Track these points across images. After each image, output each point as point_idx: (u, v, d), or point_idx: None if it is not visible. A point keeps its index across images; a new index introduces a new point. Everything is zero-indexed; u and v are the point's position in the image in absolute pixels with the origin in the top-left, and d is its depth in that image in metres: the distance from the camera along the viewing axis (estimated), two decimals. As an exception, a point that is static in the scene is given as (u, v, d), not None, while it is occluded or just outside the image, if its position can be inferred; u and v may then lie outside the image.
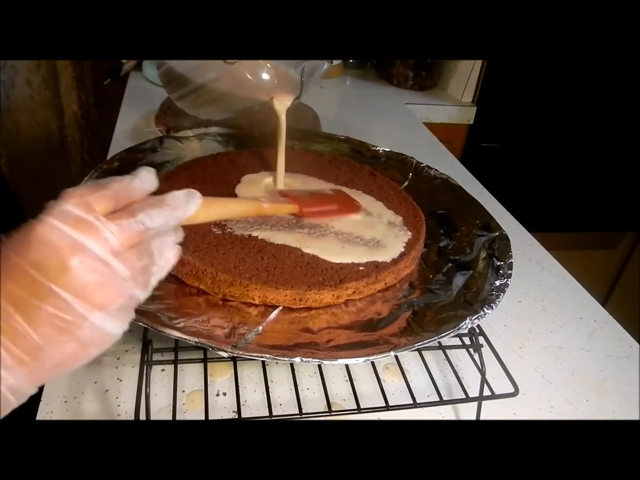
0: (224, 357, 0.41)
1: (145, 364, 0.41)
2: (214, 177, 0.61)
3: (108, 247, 0.28)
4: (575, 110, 1.29)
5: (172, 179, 0.59)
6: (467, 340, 0.49)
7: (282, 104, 0.56)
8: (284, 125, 0.57)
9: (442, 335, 0.43)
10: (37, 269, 0.26)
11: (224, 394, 0.47)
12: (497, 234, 0.58)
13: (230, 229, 0.52)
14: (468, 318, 0.45)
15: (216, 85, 0.55)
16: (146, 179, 0.31)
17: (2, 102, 1.17)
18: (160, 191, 0.59)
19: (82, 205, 0.27)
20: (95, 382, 0.47)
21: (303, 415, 0.43)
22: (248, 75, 0.53)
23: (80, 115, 1.28)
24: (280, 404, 0.47)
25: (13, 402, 0.26)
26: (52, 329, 0.26)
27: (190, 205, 0.33)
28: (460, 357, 0.53)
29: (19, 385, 0.26)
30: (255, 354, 0.39)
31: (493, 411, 0.48)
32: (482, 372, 0.46)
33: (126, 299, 0.29)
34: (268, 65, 0.53)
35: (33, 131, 1.23)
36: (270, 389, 0.46)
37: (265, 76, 0.53)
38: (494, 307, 0.46)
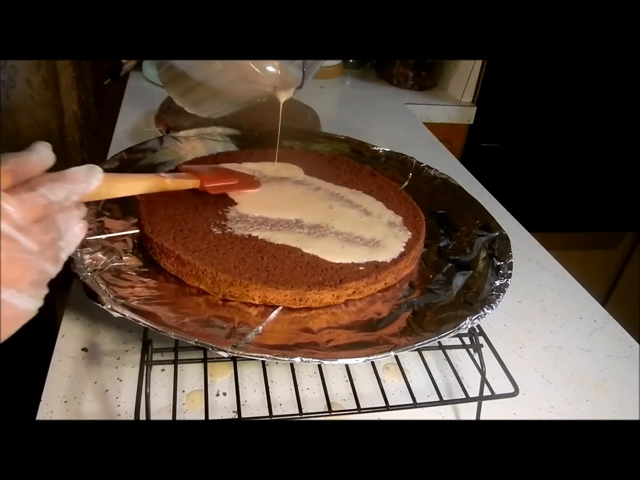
0: (224, 357, 0.41)
1: (145, 364, 0.41)
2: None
3: (11, 221, 0.27)
4: (575, 111, 1.29)
5: (172, 179, 0.59)
6: (467, 340, 0.49)
7: (284, 94, 0.57)
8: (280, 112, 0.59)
9: (442, 335, 0.43)
10: None
11: (224, 394, 0.47)
12: (497, 234, 0.58)
13: (230, 229, 0.52)
14: (468, 318, 0.45)
15: (219, 78, 0.55)
16: (44, 153, 0.31)
17: (2, 102, 1.17)
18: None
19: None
20: (95, 382, 0.47)
21: (303, 415, 0.43)
22: (253, 66, 0.53)
23: (80, 115, 1.28)
24: (280, 404, 0.47)
25: None
26: None
27: (92, 180, 0.33)
28: (460, 357, 0.53)
29: None
30: (255, 354, 0.39)
31: (493, 411, 0.48)
32: (482, 372, 0.46)
33: (36, 274, 0.29)
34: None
35: (33, 131, 1.23)
36: (270, 389, 0.46)
37: (269, 67, 0.54)
38: (494, 307, 0.46)
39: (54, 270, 0.30)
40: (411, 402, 0.45)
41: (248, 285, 0.45)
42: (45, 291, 0.30)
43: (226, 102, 0.70)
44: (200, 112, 0.78)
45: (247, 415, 0.45)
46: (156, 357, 0.44)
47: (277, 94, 0.56)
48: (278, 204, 0.57)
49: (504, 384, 0.46)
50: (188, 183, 0.51)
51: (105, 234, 0.50)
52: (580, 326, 0.62)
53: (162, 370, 0.48)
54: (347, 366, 0.49)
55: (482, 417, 0.47)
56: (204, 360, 0.46)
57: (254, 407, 0.46)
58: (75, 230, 0.32)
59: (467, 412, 0.49)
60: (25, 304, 0.28)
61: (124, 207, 0.55)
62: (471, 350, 0.50)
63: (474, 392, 0.47)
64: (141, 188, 0.45)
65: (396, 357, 0.49)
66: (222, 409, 0.46)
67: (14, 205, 0.28)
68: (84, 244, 0.47)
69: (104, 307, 0.40)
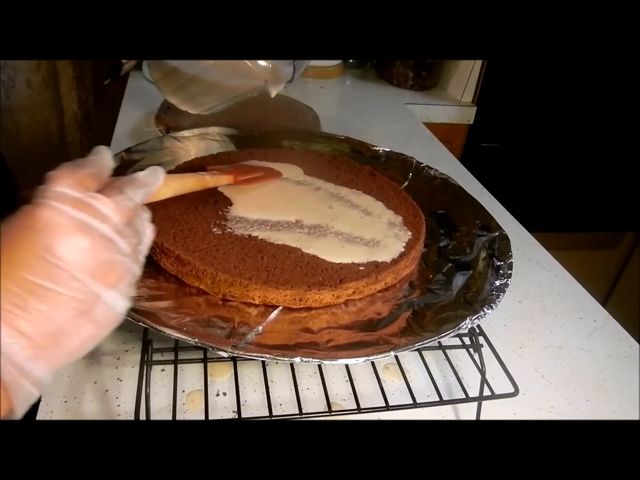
0: (224, 357, 0.41)
1: (145, 364, 0.41)
2: (214, 177, 0.60)
3: (112, 224, 0.28)
4: (575, 110, 1.29)
5: (172, 179, 0.59)
6: (467, 340, 0.49)
7: (275, 87, 0.57)
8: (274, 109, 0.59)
9: (442, 335, 0.43)
10: (50, 253, 0.25)
11: (224, 394, 0.47)
12: (497, 234, 0.58)
13: (230, 229, 0.52)
14: (468, 318, 0.45)
15: (211, 73, 0.56)
16: (109, 157, 0.32)
17: (2, 102, 1.17)
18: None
19: (76, 185, 0.27)
20: (95, 382, 0.47)
21: (303, 415, 0.43)
22: (245, 61, 0.53)
23: (80, 115, 1.28)
24: (280, 404, 0.47)
25: (36, 394, 0.26)
26: (71, 312, 0.26)
27: (157, 181, 0.34)
28: (460, 357, 0.53)
29: (41, 374, 0.25)
30: (255, 354, 0.39)
31: (493, 411, 0.48)
32: (482, 372, 0.46)
33: (131, 275, 0.29)
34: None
35: (33, 131, 1.23)
36: (270, 389, 0.46)
37: (261, 61, 0.54)
38: (494, 307, 0.46)
39: (138, 272, 0.30)
40: (411, 402, 0.45)
41: (248, 285, 0.45)
42: (134, 292, 0.30)
43: (218, 98, 0.70)
44: (193, 108, 0.78)
45: (247, 415, 0.45)
46: (156, 357, 0.44)
47: (269, 88, 0.57)
48: (278, 204, 0.57)
49: (504, 384, 0.46)
50: (224, 179, 0.53)
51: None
52: (580, 326, 0.62)
53: (162, 370, 0.48)
54: (347, 366, 0.49)
55: (482, 417, 0.47)
56: (204, 360, 0.46)
57: (254, 407, 0.46)
58: (148, 233, 0.33)
59: (467, 412, 0.49)
60: (121, 305, 0.29)
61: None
62: (471, 350, 0.50)
63: (474, 392, 0.47)
64: (188, 187, 0.46)
65: (396, 357, 0.49)
66: (222, 409, 0.46)
67: (111, 208, 0.28)
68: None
69: (104, 307, 0.40)
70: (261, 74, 0.56)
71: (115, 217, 0.28)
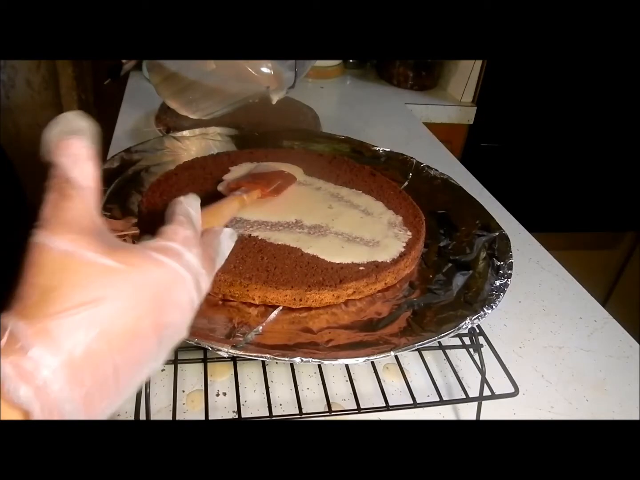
0: (224, 357, 0.41)
1: (145, 364, 0.41)
2: (213, 177, 0.61)
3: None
4: (575, 110, 1.29)
5: (172, 179, 0.59)
6: (467, 340, 0.49)
7: (277, 93, 0.57)
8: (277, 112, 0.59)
9: (442, 335, 0.43)
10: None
11: (224, 394, 0.47)
12: (497, 234, 0.58)
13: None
14: (468, 318, 0.45)
15: (212, 78, 0.55)
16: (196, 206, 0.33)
17: (2, 102, 1.18)
18: (160, 190, 0.59)
19: (198, 258, 0.28)
20: (95, 382, 0.46)
21: (303, 415, 0.43)
22: (247, 67, 0.53)
23: (80, 115, 1.28)
24: (280, 404, 0.47)
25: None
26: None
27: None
28: (460, 357, 0.53)
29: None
30: (255, 354, 0.39)
31: (493, 411, 0.48)
32: (482, 372, 0.46)
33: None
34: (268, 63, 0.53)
35: (33, 131, 1.24)
36: (270, 389, 0.46)
37: (263, 67, 0.54)
38: (494, 307, 0.46)
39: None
40: (411, 402, 0.45)
41: (248, 285, 0.45)
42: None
43: (219, 103, 0.70)
44: (192, 112, 0.78)
45: (247, 415, 0.45)
46: (156, 357, 0.44)
47: (270, 94, 0.57)
48: (278, 204, 0.57)
49: (504, 384, 0.46)
50: (254, 195, 0.53)
51: (105, 234, 0.50)
52: (580, 326, 0.62)
53: (162, 370, 0.49)
54: (347, 366, 0.49)
55: (482, 417, 0.47)
56: (204, 360, 0.46)
57: (254, 407, 0.46)
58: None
59: (467, 412, 0.49)
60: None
61: (124, 207, 0.55)
62: (471, 350, 0.50)
63: (474, 392, 0.47)
64: (234, 211, 0.47)
65: (396, 357, 0.49)
66: (222, 409, 0.46)
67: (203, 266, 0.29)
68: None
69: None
70: (262, 80, 0.56)
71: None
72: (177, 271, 0.27)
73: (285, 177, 0.60)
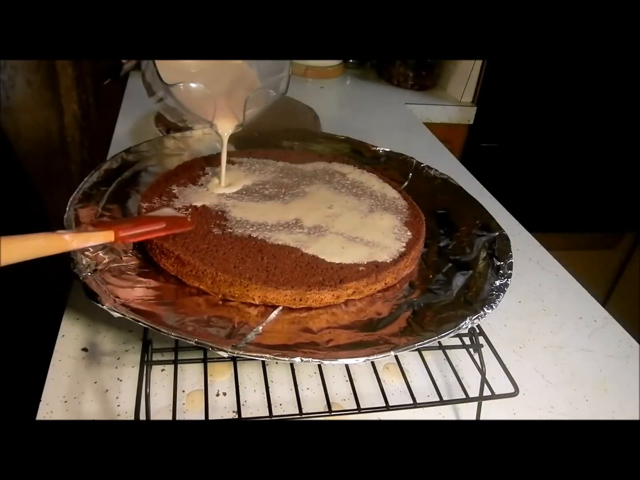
0: (224, 357, 0.41)
1: (145, 364, 0.41)
2: (214, 177, 0.60)
3: None
4: (575, 111, 1.29)
5: (172, 179, 0.59)
6: (467, 340, 0.49)
7: (224, 129, 0.57)
8: (225, 149, 0.57)
9: (442, 335, 0.43)
10: None
11: (224, 394, 0.47)
12: (497, 234, 0.58)
13: (230, 229, 0.52)
14: (468, 318, 0.45)
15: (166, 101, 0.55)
16: None
17: (2, 102, 1.17)
18: (159, 191, 0.59)
19: None
20: (95, 382, 0.46)
21: (303, 415, 0.43)
22: (186, 100, 0.52)
23: (80, 115, 1.28)
24: (280, 404, 0.47)
25: None
26: None
27: None
28: (460, 357, 0.53)
29: None
30: (255, 354, 0.39)
31: (493, 411, 0.48)
32: (482, 372, 0.46)
33: None
34: (208, 91, 0.53)
35: (33, 131, 1.24)
36: (270, 389, 0.46)
37: (204, 102, 0.53)
38: (494, 307, 0.46)
39: None
40: (411, 402, 0.45)
41: (248, 285, 0.45)
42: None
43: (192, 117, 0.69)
44: (175, 119, 0.77)
45: (247, 415, 0.45)
46: (156, 357, 0.44)
47: (217, 128, 0.56)
48: (278, 204, 0.57)
49: (504, 384, 0.46)
50: (97, 236, 0.42)
51: (105, 234, 0.50)
52: (580, 326, 0.62)
53: (162, 370, 0.48)
54: (347, 366, 0.49)
55: (482, 417, 0.47)
56: (204, 360, 0.46)
57: (254, 407, 0.46)
58: None
59: (467, 412, 0.49)
60: None
61: (124, 207, 0.55)
62: (471, 350, 0.50)
63: (474, 392, 0.47)
64: (38, 250, 0.36)
65: (396, 357, 0.49)
66: (222, 409, 0.46)
67: None
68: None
69: (104, 307, 0.40)
70: (207, 115, 0.54)
71: None
72: None
73: (175, 222, 0.51)
